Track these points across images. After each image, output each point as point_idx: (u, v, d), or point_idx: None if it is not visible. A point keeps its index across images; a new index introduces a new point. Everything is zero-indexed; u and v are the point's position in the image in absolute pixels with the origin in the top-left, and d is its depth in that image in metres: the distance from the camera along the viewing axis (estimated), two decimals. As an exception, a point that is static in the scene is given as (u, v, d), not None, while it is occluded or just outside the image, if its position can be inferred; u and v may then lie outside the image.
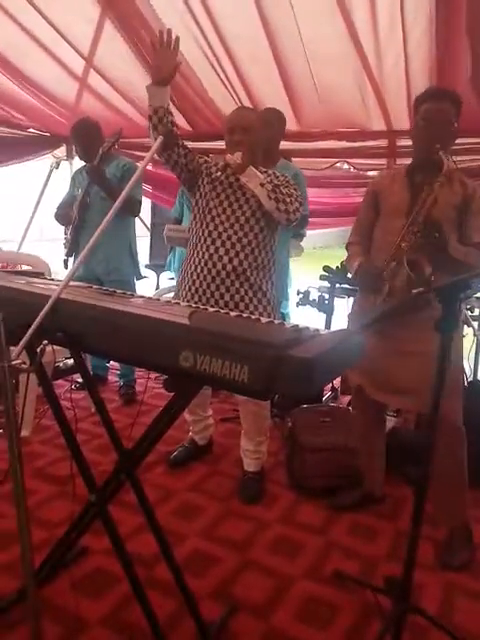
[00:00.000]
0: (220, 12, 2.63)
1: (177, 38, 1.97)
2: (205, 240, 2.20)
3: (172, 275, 4.41)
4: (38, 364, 1.20)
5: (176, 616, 1.66)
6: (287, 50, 2.81)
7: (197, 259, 2.23)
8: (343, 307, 4.13)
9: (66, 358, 3.54)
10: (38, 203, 4.59)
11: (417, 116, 2.01)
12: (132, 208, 3.13)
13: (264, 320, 1.36)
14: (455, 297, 1.25)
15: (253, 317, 1.40)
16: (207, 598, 1.75)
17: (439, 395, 1.37)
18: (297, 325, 1.30)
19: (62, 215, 3.28)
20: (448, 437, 1.95)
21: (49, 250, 4.36)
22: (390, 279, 1.96)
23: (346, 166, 4.05)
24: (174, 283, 4.39)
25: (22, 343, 1.16)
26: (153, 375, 3.74)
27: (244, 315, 1.41)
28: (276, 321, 1.36)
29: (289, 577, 1.89)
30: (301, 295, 3.33)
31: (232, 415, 3.13)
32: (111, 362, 3.87)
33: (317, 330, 1.26)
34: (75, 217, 3.13)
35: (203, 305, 2.16)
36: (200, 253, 2.21)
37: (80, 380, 3.55)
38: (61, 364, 3.46)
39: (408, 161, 3.61)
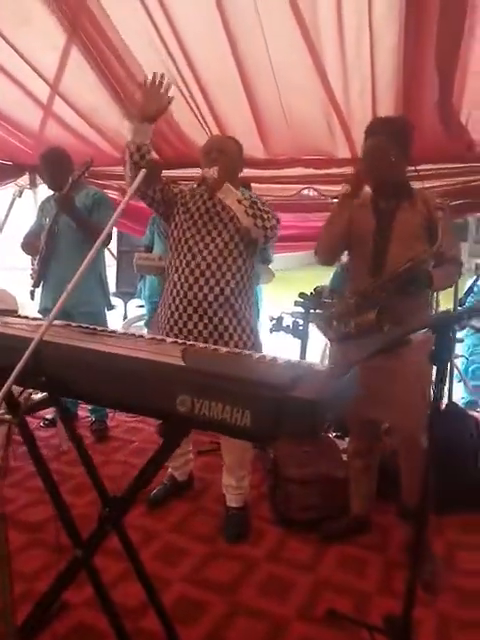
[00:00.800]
0: (189, 36, 2.61)
1: (169, 83, 2.03)
2: (183, 270, 2.15)
3: (142, 303, 4.33)
4: (22, 415, 1.12)
5: (168, 671, 1.57)
6: (256, 77, 2.82)
7: (177, 290, 2.17)
8: (318, 333, 4.14)
9: (32, 393, 3.40)
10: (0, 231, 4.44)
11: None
12: (105, 240, 3.08)
13: (256, 355, 1.32)
14: (449, 329, 1.25)
15: (245, 352, 1.35)
16: (199, 648, 1.67)
17: (433, 424, 1.35)
18: (290, 360, 1.26)
19: (29, 244, 3.18)
20: (418, 456, 1.98)
21: (7, 278, 4.24)
22: (356, 316, 2.02)
23: (306, 191, 4.10)
24: (143, 311, 4.34)
25: (3, 392, 1.08)
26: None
27: (235, 350, 1.37)
28: (267, 356, 1.32)
29: (282, 619, 1.82)
30: (274, 321, 3.31)
31: (209, 448, 3.05)
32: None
33: (311, 365, 1.23)
34: (42, 247, 3.04)
35: (185, 337, 2.11)
36: (180, 283, 2.16)
37: (49, 417, 3.40)
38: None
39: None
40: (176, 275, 2.18)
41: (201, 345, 1.45)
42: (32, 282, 3.17)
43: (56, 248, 3.02)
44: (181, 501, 2.53)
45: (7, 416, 1.04)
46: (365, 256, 2.11)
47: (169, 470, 2.58)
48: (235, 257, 2.17)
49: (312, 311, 3.22)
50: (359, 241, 2.16)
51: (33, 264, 3.18)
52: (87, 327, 1.52)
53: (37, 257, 3.11)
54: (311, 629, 1.77)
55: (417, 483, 1.99)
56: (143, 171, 1.37)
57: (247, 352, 1.37)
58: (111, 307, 3.37)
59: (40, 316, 2.73)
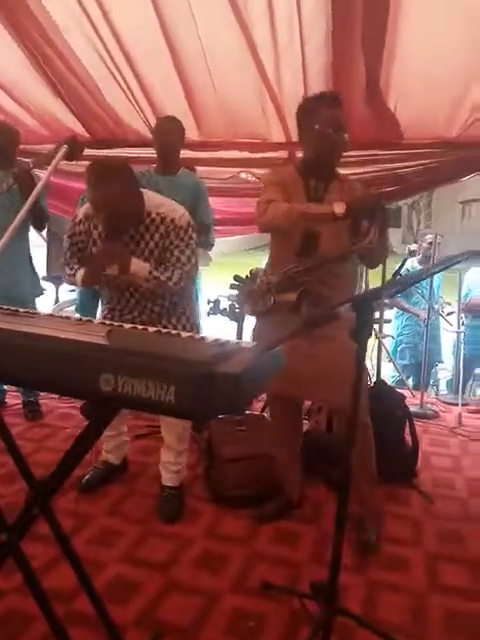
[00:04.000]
0: (120, 19, 2.56)
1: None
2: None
3: (73, 288, 4.22)
4: None
5: (101, 651, 1.57)
6: (187, 58, 2.79)
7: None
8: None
9: None
10: None
11: (314, 120, 2.03)
12: (43, 221, 2.99)
13: (184, 334, 1.33)
14: (369, 307, 1.30)
15: (172, 332, 1.35)
16: (132, 627, 1.68)
17: (358, 399, 1.41)
18: (218, 339, 1.28)
19: None
20: (359, 433, 2.03)
21: None
22: (276, 293, 2.05)
23: (243, 176, 4.12)
24: (75, 296, 4.22)
25: None
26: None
27: (163, 331, 1.37)
28: (196, 335, 1.33)
29: (215, 593, 1.85)
30: (211, 304, 3.32)
31: (146, 431, 3.04)
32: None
33: (239, 343, 1.25)
34: None
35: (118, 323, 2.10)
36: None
37: (-26, 405, 3.29)
38: None
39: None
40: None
41: (128, 326, 1.44)
42: None
43: None
44: (115, 485, 2.51)
45: None
46: (294, 236, 2.08)
47: (103, 454, 2.56)
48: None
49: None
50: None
51: None
52: (8, 309, 1.47)
53: None
54: (244, 601, 1.82)
55: (360, 459, 2.09)
56: (65, 147, 1.34)
57: (174, 332, 1.37)
58: (41, 292, 3.27)
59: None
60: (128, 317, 2.19)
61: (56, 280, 4.42)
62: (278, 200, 2.07)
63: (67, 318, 1.47)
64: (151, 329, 1.40)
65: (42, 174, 3.12)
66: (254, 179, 4.08)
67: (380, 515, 2.25)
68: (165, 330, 1.38)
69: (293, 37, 2.47)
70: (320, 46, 2.46)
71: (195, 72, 2.89)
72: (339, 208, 1.95)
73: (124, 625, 1.62)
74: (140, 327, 1.45)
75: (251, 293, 2.15)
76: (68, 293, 4.57)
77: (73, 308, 4.01)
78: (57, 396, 3.52)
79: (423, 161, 3.31)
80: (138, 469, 2.69)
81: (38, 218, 3.00)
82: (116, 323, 2.01)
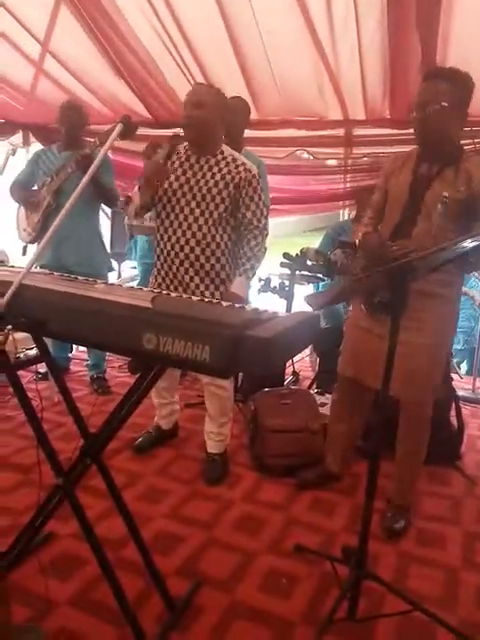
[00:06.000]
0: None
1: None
2: (175, 232, 2.25)
3: (134, 264, 4.40)
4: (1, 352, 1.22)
5: (144, 594, 1.71)
6: (244, 38, 2.84)
7: (167, 251, 2.29)
8: (303, 293, 4.22)
9: (27, 349, 3.51)
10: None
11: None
12: (112, 199, 3.12)
13: (225, 303, 1.41)
14: (403, 280, 1.32)
15: (214, 301, 1.44)
16: (173, 575, 1.81)
17: (389, 373, 1.45)
18: (257, 308, 1.35)
19: (15, 192, 3.18)
20: (418, 423, 2.06)
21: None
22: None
23: (305, 155, 4.12)
24: (136, 272, 4.41)
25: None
26: (116, 364, 3.76)
27: (205, 300, 1.46)
28: (235, 306, 1.41)
29: (252, 552, 1.96)
30: (262, 282, 3.40)
31: (196, 401, 3.18)
32: (73, 352, 3.85)
33: (275, 312, 1.32)
34: (50, 202, 3.03)
35: (175, 288, 2.26)
36: (170, 245, 2.27)
37: (42, 371, 3.52)
38: (22, 355, 3.43)
39: (365, 150, 3.76)
40: (166, 237, 2.28)
41: (173, 294, 1.54)
42: (29, 238, 3.20)
43: (60, 205, 3.03)
44: (165, 448, 2.66)
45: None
46: (389, 225, 2.02)
47: (155, 419, 2.71)
48: (224, 226, 2.24)
49: (297, 272, 3.30)
50: (392, 205, 2.03)
51: (21, 222, 3.21)
52: (69, 276, 1.60)
53: (34, 212, 3.13)
54: (278, 561, 1.92)
55: (412, 448, 2.11)
56: (120, 125, 1.43)
57: (216, 301, 1.46)
58: (111, 269, 3.43)
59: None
60: (182, 279, 2.28)
61: (119, 257, 4.62)
62: (374, 205, 2.13)
63: (119, 286, 1.58)
64: (194, 298, 1.50)
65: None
66: (309, 157, 4.09)
67: (410, 509, 2.21)
68: (207, 299, 1.47)
69: (348, 15, 2.46)
70: (375, 23, 2.44)
71: (252, 51, 2.94)
72: (357, 238, 2.03)
73: (167, 573, 1.76)
74: (185, 296, 1.55)
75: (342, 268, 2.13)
76: (130, 269, 4.76)
77: (134, 283, 4.19)
78: (117, 366, 3.73)
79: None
80: (187, 435, 2.83)
81: (105, 196, 3.10)
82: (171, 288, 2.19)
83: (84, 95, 3.63)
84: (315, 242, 4.23)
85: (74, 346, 3.80)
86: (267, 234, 2.31)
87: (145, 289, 1.57)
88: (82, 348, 3.82)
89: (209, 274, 2.26)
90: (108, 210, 5.13)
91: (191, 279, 2.26)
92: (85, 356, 3.65)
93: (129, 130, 1.40)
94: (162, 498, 2.26)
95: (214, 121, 2.19)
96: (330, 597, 1.73)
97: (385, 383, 1.46)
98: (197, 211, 2.21)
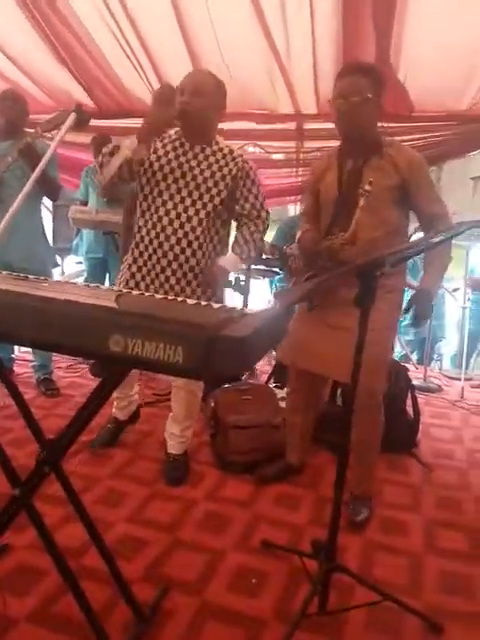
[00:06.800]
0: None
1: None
2: (155, 225, 2.12)
3: (79, 259, 4.25)
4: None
5: (110, 603, 1.65)
6: (195, 27, 2.78)
7: (145, 244, 2.16)
8: (259, 288, 4.23)
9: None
10: None
11: (332, 95, 1.99)
12: (55, 192, 2.99)
13: (191, 301, 1.36)
14: (372, 274, 1.32)
15: (179, 299, 1.39)
16: (140, 581, 1.75)
17: (359, 366, 1.45)
18: (224, 305, 1.32)
19: None
20: (370, 410, 2.07)
21: None
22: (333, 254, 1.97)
23: (251, 148, 4.10)
24: (82, 267, 4.26)
25: None
26: (63, 364, 3.62)
27: (169, 297, 1.40)
28: (202, 302, 1.37)
29: (219, 551, 1.93)
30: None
31: (153, 399, 3.11)
32: (16, 353, 3.68)
33: (243, 310, 1.28)
34: None
35: (149, 283, 2.14)
36: (149, 238, 2.14)
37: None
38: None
39: (316, 144, 3.77)
40: (150, 225, 2.14)
41: (136, 293, 1.48)
42: None
43: (4, 197, 2.87)
44: (122, 449, 2.59)
45: None
46: (325, 225, 2.06)
47: (112, 411, 2.63)
48: (215, 220, 2.13)
49: (253, 267, 3.29)
50: (324, 209, 2.09)
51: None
52: (19, 275, 1.51)
53: None
54: (246, 559, 1.90)
55: (367, 437, 2.12)
56: (73, 115, 1.35)
57: (181, 299, 1.41)
58: (56, 265, 3.30)
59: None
60: (159, 274, 2.15)
61: (62, 251, 4.46)
62: (307, 213, 2.19)
63: (75, 284, 1.50)
64: (157, 296, 1.44)
65: (49, 142, 3.14)
66: (256, 150, 4.07)
67: (370, 497, 2.24)
68: (171, 297, 1.41)
69: (302, 6, 2.44)
70: (329, 16, 2.44)
71: (203, 41, 2.88)
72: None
73: (132, 580, 1.69)
74: (147, 294, 1.49)
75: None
76: (75, 265, 4.60)
77: (81, 280, 4.05)
78: (65, 367, 3.59)
79: (432, 134, 3.29)
80: (144, 435, 2.76)
81: (48, 188, 2.99)
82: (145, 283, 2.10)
83: (25, 84, 3.46)
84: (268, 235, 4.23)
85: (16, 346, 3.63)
86: (267, 227, 2.23)
87: (107, 287, 1.50)
88: (25, 348, 3.66)
89: (193, 270, 2.12)
90: (49, 203, 4.95)
91: (173, 273, 2.12)
92: (30, 357, 3.50)
93: (82, 120, 1.32)
94: (122, 501, 2.19)
95: (212, 111, 2.08)
96: (300, 592, 1.73)
97: (354, 374, 1.46)
98: (188, 200, 2.08)
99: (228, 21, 2.70)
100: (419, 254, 1.57)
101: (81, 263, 4.25)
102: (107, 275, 3.78)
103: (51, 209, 4.92)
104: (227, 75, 3.12)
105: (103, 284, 3.73)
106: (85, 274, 3.98)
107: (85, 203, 3.67)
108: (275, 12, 2.57)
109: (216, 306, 1.32)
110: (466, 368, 4.14)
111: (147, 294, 1.45)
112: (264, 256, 3.12)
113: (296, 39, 2.72)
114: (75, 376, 3.46)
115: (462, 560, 1.96)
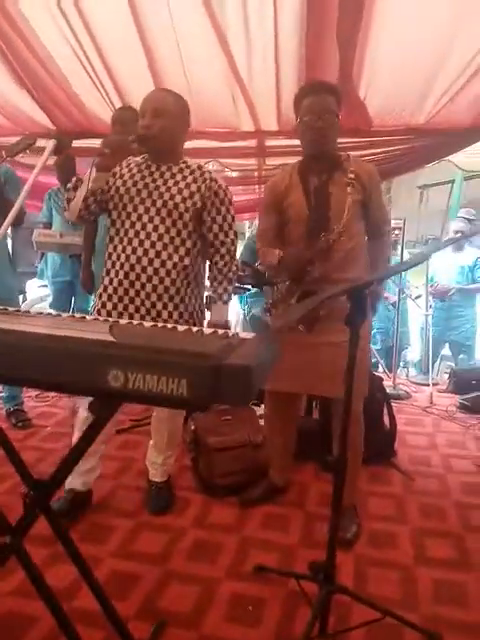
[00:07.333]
0: (90, 3, 2.48)
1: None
2: (125, 248, 2.05)
3: (44, 283, 4.13)
4: None
5: (105, 645, 1.58)
6: (159, 46, 2.75)
7: (116, 269, 2.08)
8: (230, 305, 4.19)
9: None
10: None
11: (300, 112, 2.02)
12: (20, 217, 2.89)
13: (181, 328, 1.34)
14: (362, 295, 1.34)
15: (168, 326, 1.36)
16: (134, 619, 1.69)
17: (351, 383, 1.45)
18: (216, 331, 1.29)
19: None
20: (353, 422, 2.06)
21: None
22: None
23: (211, 165, 4.11)
24: (47, 291, 4.14)
25: None
26: (33, 393, 3.49)
27: (159, 324, 1.37)
28: (194, 328, 1.34)
29: (212, 580, 1.88)
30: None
31: (128, 425, 3.03)
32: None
33: (237, 334, 1.26)
34: None
35: (120, 311, 2.07)
36: (120, 263, 2.06)
37: None
38: None
39: (278, 161, 3.81)
40: (120, 249, 2.07)
41: (125, 321, 1.44)
42: None
43: None
44: (102, 480, 2.48)
45: None
46: (300, 238, 2.06)
47: (68, 480, 2.10)
48: (183, 238, 2.06)
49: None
50: (295, 223, 2.08)
51: None
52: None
53: None
54: (241, 586, 1.86)
55: (350, 443, 2.13)
56: (53, 141, 1.32)
57: (170, 326, 1.38)
58: (23, 290, 3.20)
59: None
60: (128, 304, 2.08)
61: (24, 276, 4.32)
62: (266, 229, 2.19)
63: (60, 316, 1.45)
64: (147, 323, 1.41)
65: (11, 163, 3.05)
66: (220, 167, 4.08)
67: (356, 509, 2.25)
68: (161, 324, 1.38)
69: (265, 23, 2.46)
70: (293, 34, 2.46)
71: (165, 60, 2.86)
72: (275, 259, 2.05)
73: (126, 618, 1.63)
74: (136, 322, 1.45)
75: (272, 306, 2.12)
76: (37, 289, 4.47)
77: (45, 304, 3.94)
78: (34, 396, 3.46)
79: (391, 148, 3.38)
80: (124, 464, 2.68)
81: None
82: (116, 313, 2.02)
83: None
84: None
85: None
86: (236, 251, 2.19)
87: (89, 318, 1.44)
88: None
89: (168, 291, 2.04)
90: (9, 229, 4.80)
91: (147, 297, 2.04)
92: (-3, 387, 3.36)
93: (64, 145, 1.28)
94: (107, 536, 2.11)
95: (176, 130, 2.04)
96: (299, 615, 1.71)
97: (347, 391, 1.46)
98: (157, 219, 2.02)
99: (190, 38, 2.69)
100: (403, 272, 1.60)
101: (45, 287, 4.14)
102: (73, 299, 3.68)
103: (10, 233, 4.77)
104: (189, 93, 3.13)
105: (69, 308, 3.63)
106: (50, 298, 3.87)
107: (49, 226, 3.57)
108: (237, 28, 2.57)
109: (209, 332, 1.30)
110: (431, 374, 4.24)
111: (136, 322, 1.40)
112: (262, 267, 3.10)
113: (258, 57, 2.74)
114: (46, 405, 3.34)
115: (452, 568, 1.99)
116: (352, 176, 2.01)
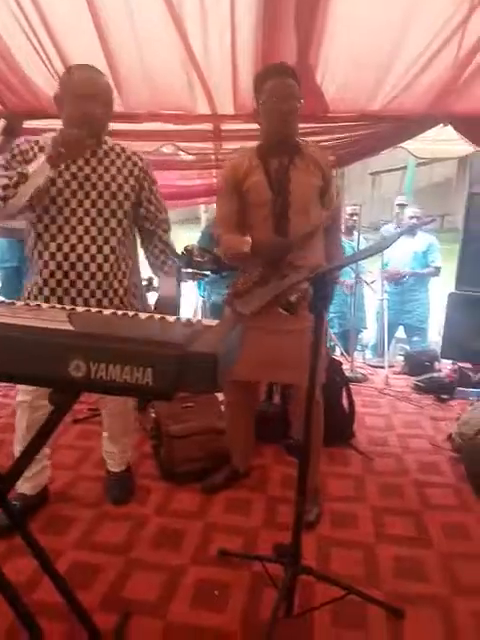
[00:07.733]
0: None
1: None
2: (64, 239, 1.91)
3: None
4: None
5: (69, 637, 1.55)
6: (112, 27, 2.66)
7: (50, 253, 1.94)
8: (188, 290, 4.17)
9: None
10: None
11: (263, 95, 1.97)
12: None
13: (143, 315, 1.31)
14: (325, 282, 1.35)
15: (130, 313, 1.33)
16: (99, 610, 1.67)
17: (316, 368, 1.47)
18: (179, 318, 1.27)
19: None
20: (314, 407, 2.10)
21: None
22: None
23: (165, 149, 4.03)
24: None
25: None
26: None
27: (120, 312, 1.33)
28: (156, 316, 1.32)
29: (177, 567, 1.88)
30: (145, 282, 3.26)
31: (85, 415, 2.97)
32: None
33: (200, 321, 1.25)
34: None
35: (59, 297, 1.94)
36: (57, 254, 1.93)
37: None
38: None
39: (234, 145, 3.77)
40: (55, 245, 1.93)
41: (82, 309, 1.39)
42: None
43: None
44: (61, 470, 2.44)
45: None
46: (260, 228, 2.04)
47: (17, 485, 2.05)
48: (126, 227, 2.00)
49: (183, 270, 3.23)
50: (257, 207, 2.05)
51: None
52: None
53: None
54: (206, 571, 1.86)
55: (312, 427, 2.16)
56: (3, 121, 1.24)
57: (132, 313, 1.35)
58: None
59: None
60: (66, 298, 1.95)
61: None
62: (227, 215, 2.11)
63: (13, 304, 1.39)
64: (106, 311, 1.37)
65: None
66: (174, 150, 4.01)
67: (318, 491, 2.29)
68: (120, 312, 1.35)
69: (221, 6, 2.41)
70: (250, 17, 2.43)
71: (118, 40, 2.76)
72: (246, 247, 2.00)
73: (91, 609, 1.60)
74: (94, 309, 1.41)
75: (238, 294, 2.06)
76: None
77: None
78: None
79: (346, 134, 3.40)
80: (83, 453, 2.63)
81: None
82: (54, 299, 1.92)
83: None
84: (189, 233, 4.20)
85: None
86: (170, 227, 2.14)
87: (45, 306, 1.39)
88: None
89: (112, 285, 1.96)
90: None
91: (91, 294, 1.93)
92: None
93: (15, 126, 1.20)
94: (68, 527, 2.07)
95: (108, 113, 1.96)
96: (264, 598, 1.73)
97: (311, 377, 1.47)
98: (94, 211, 1.91)
99: (144, 17, 2.61)
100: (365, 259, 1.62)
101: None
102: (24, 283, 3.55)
103: None
104: (144, 75, 3.05)
105: (19, 293, 3.50)
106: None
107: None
108: (193, 9, 2.51)
109: (172, 320, 1.28)
110: (387, 357, 4.34)
111: (94, 310, 1.37)
112: (195, 259, 3.08)
113: (214, 39, 2.68)
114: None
115: (411, 544, 2.05)
116: (312, 161, 2.03)
